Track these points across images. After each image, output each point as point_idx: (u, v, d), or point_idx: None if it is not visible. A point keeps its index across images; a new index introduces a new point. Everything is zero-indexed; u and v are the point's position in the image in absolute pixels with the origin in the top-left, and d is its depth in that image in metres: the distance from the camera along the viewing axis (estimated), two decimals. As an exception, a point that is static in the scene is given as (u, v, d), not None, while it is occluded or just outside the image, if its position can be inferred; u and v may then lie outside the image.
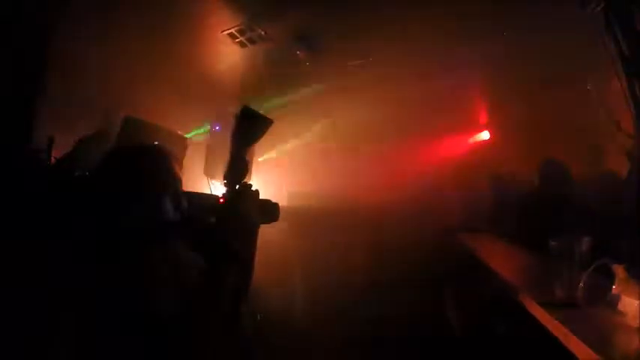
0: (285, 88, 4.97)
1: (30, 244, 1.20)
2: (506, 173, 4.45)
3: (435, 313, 3.34)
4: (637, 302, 1.28)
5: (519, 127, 4.80)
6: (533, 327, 1.49)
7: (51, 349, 0.95)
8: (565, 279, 1.50)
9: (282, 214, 1.23)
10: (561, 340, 1.27)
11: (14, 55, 1.88)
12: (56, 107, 2.67)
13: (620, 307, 1.36)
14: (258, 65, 4.49)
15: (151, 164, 1.15)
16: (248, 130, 1.16)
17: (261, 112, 1.20)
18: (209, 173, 4.63)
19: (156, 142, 2.84)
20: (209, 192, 4.28)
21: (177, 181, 1.17)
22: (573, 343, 1.19)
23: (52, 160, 2.14)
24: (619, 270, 1.40)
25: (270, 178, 5.15)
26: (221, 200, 1.35)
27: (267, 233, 1.20)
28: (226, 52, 4.17)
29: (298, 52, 4.04)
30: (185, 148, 3.67)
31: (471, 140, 5.69)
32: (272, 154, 6.03)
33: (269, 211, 1.20)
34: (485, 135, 5.63)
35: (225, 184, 1.12)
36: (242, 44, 4.05)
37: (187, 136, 4.35)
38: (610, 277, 1.42)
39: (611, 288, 1.40)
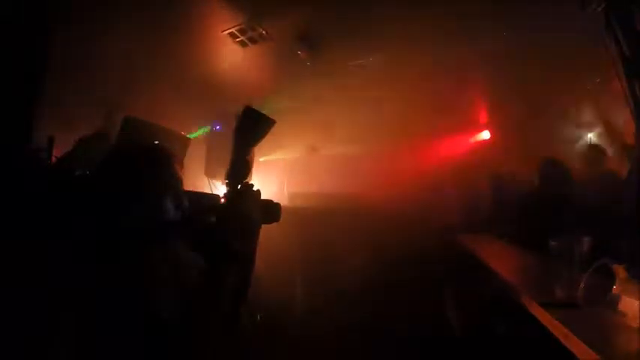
0: (286, 87, 4.97)
1: (30, 244, 1.20)
2: (506, 173, 4.45)
3: (435, 313, 3.34)
4: (637, 302, 1.28)
5: (519, 127, 4.80)
6: (533, 327, 1.49)
7: (51, 349, 0.95)
8: (565, 279, 1.51)
9: (283, 215, 1.23)
10: (561, 340, 1.27)
11: (14, 55, 1.88)
12: (56, 107, 2.67)
13: (620, 307, 1.36)
14: (258, 65, 4.49)
15: (151, 164, 1.15)
16: (250, 130, 1.16)
17: (262, 112, 1.20)
18: (209, 173, 4.63)
19: (156, 142, 2.84)
20: (209, 192, 4.28)
21: (177, 180, 1.17)
22: (573, 343, 1.19)
23: (53, 159, 2.15)
24: (619, 270, 1.40)
25: (272, 178, 5.15)
26: (222, 200, 1.35)
27: (267, 233, 1.20)
28: (227, 51, 4.17)
29: (299, 52, 4.04)
30: (186, 147, 3.67)
31: (472, 140, 5.68)
32: (273, 155, 6.04)
33: (270, 211, 1.20)
34: (485, 135, 5.63)
35: (227, 184, 1.12)
36: (243, 44, 4.05)
37: (188, 135, 4.35)
38: (610, 277, 1.41)
39: (611, 288, 1.39)
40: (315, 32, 3.91)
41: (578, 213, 2.57)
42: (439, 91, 4.61)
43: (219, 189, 4.20)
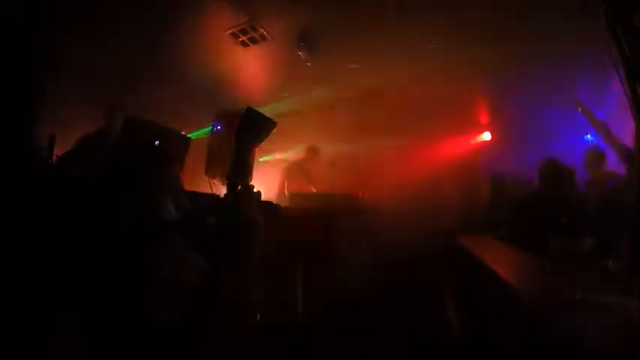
0: (287, 88, 4.97)
1: (30, 244, 1.20)
2: (506, 173, 4.45)
3: (435, 313, 3.34)
4: (637, 302, 1.28)
5: (520, 127, 4.81)
6: (533, 327, 1.49)
7: (51, 349, 0.95)
8: (565, 279, 1.51)
9: (282, 215, 1.23)
10: (561, 340, 1.27)
11: (14, 55, 1.88)
12: (57, 107, 2.67)
13: (620, 307, 1.36)
14: (260, 65, 4.49)
15: (152, 164, 1.15)
16: (251, 131, 1.16)
17: (263, 113, 1.20)
18: (210, 173, 4.63)
19: (157, 142, 2.84)
20: (209, 192, 4.28)
21: (178, 181, 1.17)
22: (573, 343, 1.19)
23: (54, 158, 2.15)
24: (618, 269, 1.40)
25: (272, 178, 5.15)
26: (223, 200, 1.35)
27: (268, 234, 1.20)
28: (228, 51, 4.17)
29: (300, 53, 4.05)
30: (187, 148, 3.67)
31: (472, 141, 5.69)
32: (274, 155, 6.04)
33: (270, 212, 1.20)
34: (486, 136, 5.63)
35: (227, 184, 1.12)
36: (244, 44, 4.06)
37: (189, 135, 4.35)
38: (610, 277, 1.42)
39: (610, 287, 1.40)
40: (316, 33, 3.91)
41: (578, 213, 2.58)
42: (439, 90, 4.61)
43: (220, 189, 4.20)
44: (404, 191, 4.57)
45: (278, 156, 6.03)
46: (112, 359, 0.92)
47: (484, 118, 5.57)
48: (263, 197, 1.17)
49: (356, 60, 4.35)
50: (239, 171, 1.13)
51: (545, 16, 3.20)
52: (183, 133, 4.00)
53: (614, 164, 3.39)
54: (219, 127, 5.05)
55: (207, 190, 4.44)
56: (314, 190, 4.78)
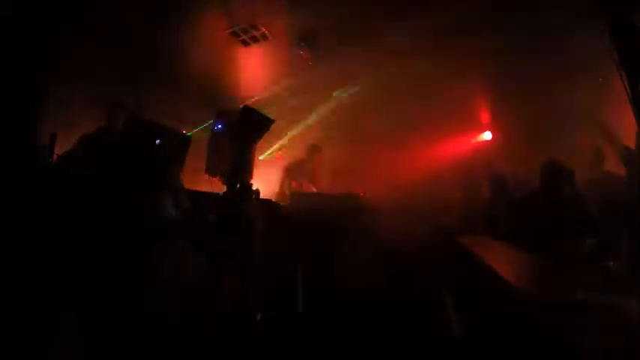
0: (287, 87, 4.97)
1: (30, 244, 1.20)
2: (506, 173, 4.45)
3: (435, 313, 3.34)
4: (637, 302, 1.28)
5: (520, 127, 4.80)
6: (533, 327, 1.48)
7: (51, 348, 0.95)
8: (565, 279, 1.51)
9: (282, 214, 1.23)
10: (561, 340, 1.27)
11: (14, 55, 1.88)
12: (57, 106, 2.67)
13: (620, 307, 1.36)
14: (260, 64, 4.49)
15: (152, 164, 1.15)
16: (250, 129, 1.16)
17: (262, 111, 1.20)
18: (210, 172, 4.62)
19: (157, 141, 2.84)
20: (210, 191, 4.28)
21: (178, 180, 1.17)
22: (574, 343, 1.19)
23: (54, 157, 2.14)
24: (618, 269, 1.40)
25: (272, 177, 5.15)
26: (223, 200, 1.35)
27: (268, 234, 1.20)
28: (229, 50, 4.17)
29: (301, 52, 4.05)
30: (187, 146, 3.66)
31: (473, 141, 5.68)
32: (274, 154, 6.02)
33: (270, 210, 1.20)
34: (487, 135, 5.62)
35: (227, 183, 1.12)
36: (245, 43, 4.05)
37: (189, 134, 4.35)
38: (610, 277, 1.42)
39: (611, 288, 1.40)
40: (317, 32, 3.91)
41: (578, 213, 2.57)
42: (439, 90, 4.61)
43: (220, 188, 4.19)
44: (404, 191, 4.57)
45: (277, 154, 6.02)
46: (112, 359, 0.92)
47: (485, 117, 5.56)
48: (263, 196, 1.17)
49: (356, 59, 4.35)
50: (238, 169, 1.14)
51: (547, 15, 3.20)
52: (183, 131, 4.00)
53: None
54: (219, 126, 5.05)
55: (207, 189, 4.45)
56: (314, 190, 4.77)
